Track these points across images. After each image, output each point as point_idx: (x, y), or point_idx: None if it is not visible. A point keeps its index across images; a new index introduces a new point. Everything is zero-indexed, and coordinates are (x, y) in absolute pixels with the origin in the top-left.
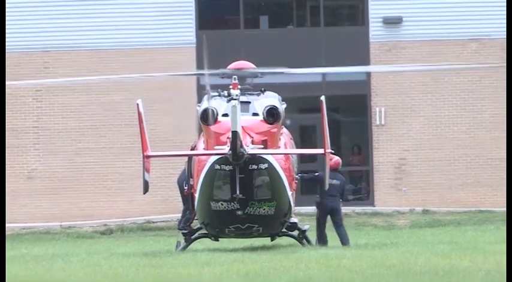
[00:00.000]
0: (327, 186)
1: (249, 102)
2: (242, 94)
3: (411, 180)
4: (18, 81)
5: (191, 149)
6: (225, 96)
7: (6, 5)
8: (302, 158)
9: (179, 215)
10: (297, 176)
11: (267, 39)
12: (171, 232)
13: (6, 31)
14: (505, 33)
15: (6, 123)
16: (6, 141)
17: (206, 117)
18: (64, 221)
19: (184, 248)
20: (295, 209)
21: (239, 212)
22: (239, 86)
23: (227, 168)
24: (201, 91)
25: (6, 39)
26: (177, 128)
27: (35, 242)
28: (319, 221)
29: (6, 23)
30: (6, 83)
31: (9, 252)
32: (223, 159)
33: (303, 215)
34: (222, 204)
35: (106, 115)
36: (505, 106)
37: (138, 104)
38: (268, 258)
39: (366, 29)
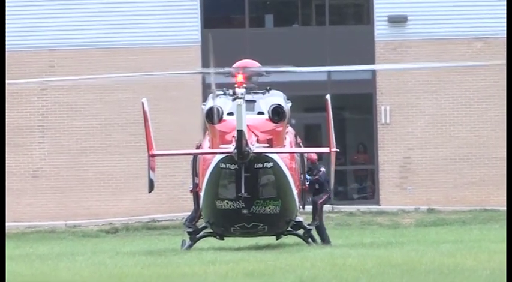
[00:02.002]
0: (332, 185)
1: (254, 101)
2: (247, 93)
3: (416, 179)
4: (24, 79)
5: (196, 148)
6: (230, 95)
7: (12, 4)
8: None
9: (184, 214)
10: (307, 181)
11: (272, 38)
12: (176, 231)
13: (12, 30)
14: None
15: (11, 122)
16: (12, 140)
17: (211, 116)
18: (69, 220)
19: (190, 246)
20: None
21: (244, 211)
22: (244, 85)
23: (232, 167)
24: (206, 90)
25: (12, 38)
26: (182, 126)
27: (40, 241)
28: (320, 218)
29: (12, 21)
30: (13, 81)
31: (14, 251)
32: (228, 158)
33: (308, 213)
34: (227, 203)
35: (111, 114)
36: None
37: (143, 103)
38: (274, 257)
39: (371, 28)
